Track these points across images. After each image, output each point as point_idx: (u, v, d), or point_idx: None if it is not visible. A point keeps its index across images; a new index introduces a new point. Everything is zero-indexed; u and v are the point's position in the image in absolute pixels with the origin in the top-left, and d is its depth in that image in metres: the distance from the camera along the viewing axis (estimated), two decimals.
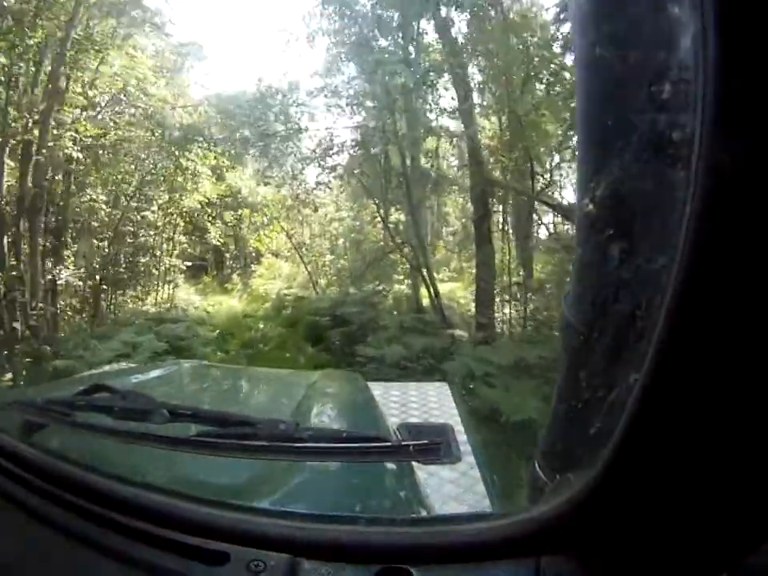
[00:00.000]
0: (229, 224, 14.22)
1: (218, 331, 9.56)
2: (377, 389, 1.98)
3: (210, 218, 13.33)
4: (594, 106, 0.51)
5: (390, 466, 0.95)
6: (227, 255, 16.21)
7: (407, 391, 2.22)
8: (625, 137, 0.45)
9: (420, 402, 2.00)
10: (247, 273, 14.82)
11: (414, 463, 0.99)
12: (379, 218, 10.92)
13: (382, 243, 11.09)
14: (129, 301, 11.17)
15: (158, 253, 11.93)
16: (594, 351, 0.50)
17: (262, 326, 10.11)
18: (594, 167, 0.50)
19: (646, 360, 0.37)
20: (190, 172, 11.35)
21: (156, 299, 11.43)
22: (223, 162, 11.60)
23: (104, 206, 10.01)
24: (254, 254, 15.23)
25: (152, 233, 11.59)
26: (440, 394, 2.13)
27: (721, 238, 0.34)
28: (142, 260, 11.65)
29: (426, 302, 9.47)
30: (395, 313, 9.26)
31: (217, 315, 11.13)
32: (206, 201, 12.25)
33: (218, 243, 14.55)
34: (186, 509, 0.65)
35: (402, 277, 10.45)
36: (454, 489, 1.18)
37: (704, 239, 0.34)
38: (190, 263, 12.93)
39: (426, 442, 0.86)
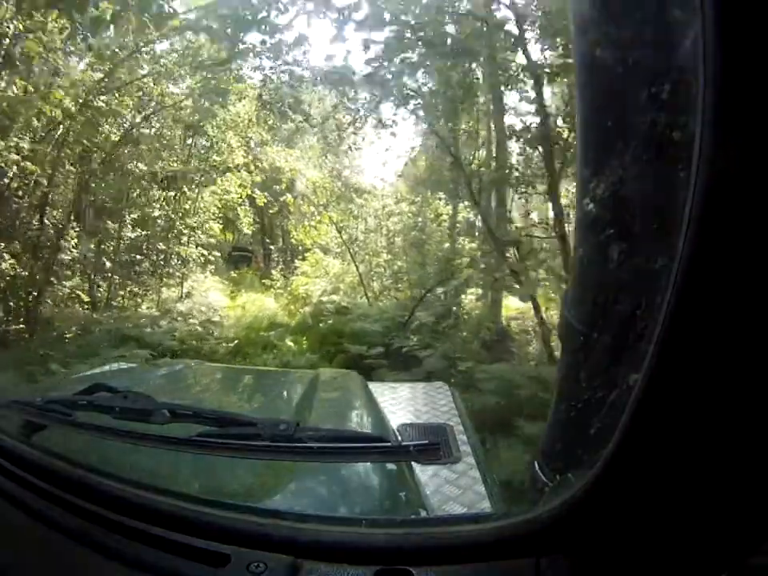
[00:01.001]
0: (269, 210, 12.06)
1: (233, 343, 7.17)
2: (377, 389, 1.98)
3: (240, 199, 10.99)
4: (595, 106, 0.51)
5: (390, 466, 0.95)
6: (272, 248, 14.51)
7: (407, 391, 2.22)
8: (625, 137, 0.45)
9: (420, 402, 2.00)
10: (290, 268, 12.80)
11: (413, 463, 0.99)
12: (445, 212, 9.29)
13: (448, 245, 9.09)
14: (124, 299, 8.64)
15: (161, 239, 9.28)
16: (594, 351, 0.50)
17: (291, 344, 7.31)
18: (594, 167, 0.50)
19: (646, 360, 0.37)
20: (211, 138, 9.14)
21: (158, 298, 9.04)
22: (260, 133, 9.87)
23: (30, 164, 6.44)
24: (300, 248, 12.91)
25: (156, 213, 9.07)
26: (440, 394, 2.13)
27: (721, 239, 0.34)
28: (139, 245, 9.00)
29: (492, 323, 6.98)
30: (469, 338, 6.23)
31: (240, 319, 8.83)
32: (229, 166, 9.95)
33: (249, 231, 12.62)
34: (186, 509, 0.65)
35: (472, 289, 8.12)
36: (453, 489, 1.17)
37: (704, 240, 0.34)
38: (219, 253, 10.76)
39: (425, 442, 0.86)
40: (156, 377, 1.88)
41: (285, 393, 1.93)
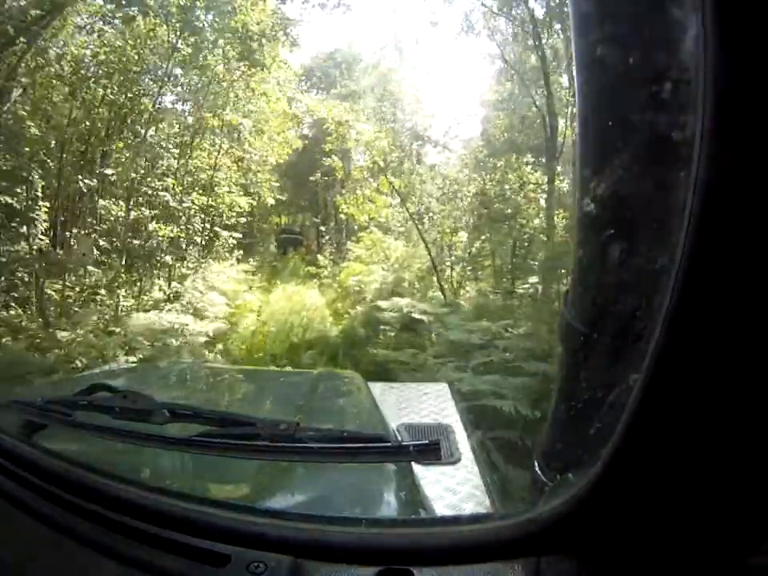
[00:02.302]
0: (310, 177, 9.59)
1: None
2: (377, 389, 1.98)
3: (262, 160, 8.45)
4: (595, 106, 0.51)
5: (390, 466, 0.95)
6: (323, 228, 12.48)
7: (407, 391, 2.22)
8: (625, 137, 0.45)
9: (420, 402, 2.00)
10: (341, 252, 10.51)
11: (413, 464, 0.99)
12: (534, 180, 7.05)
13: (539, 220, 6.91)
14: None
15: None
16: (594, 351, 0.50)
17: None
18: (594, 167, 0.50)
19: (646, 360, 0.37)
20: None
21: (114, 305, 5.84)
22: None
23: None
24: (356, 227, 10.26)
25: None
26: (440, 394, 2.13)
27: (721, 239, 0.34)
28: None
29: None
30: None
31: (250, 335, 6.08)
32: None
33: (273, 201, 9.71)
34: (186, 509, 0.65)
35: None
36: (453, 489, 1.18)
37: (704, 240, 0.34)
38: (240, 235, 8.29)
39: (425, 442, 0.86)
40: (156, 377, 1.88)
41: (285, 393, 1.93)
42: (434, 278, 7.07)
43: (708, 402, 0.37)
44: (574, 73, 0.53)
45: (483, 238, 7.33)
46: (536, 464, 0.61)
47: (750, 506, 0.41)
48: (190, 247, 7.28)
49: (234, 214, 8.09)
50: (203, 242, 7.53)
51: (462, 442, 1.39)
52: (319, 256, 10.54)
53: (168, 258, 6.79)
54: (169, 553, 0.60)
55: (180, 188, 7.04)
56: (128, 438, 0.88)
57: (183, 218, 7.08)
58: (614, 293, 0.48)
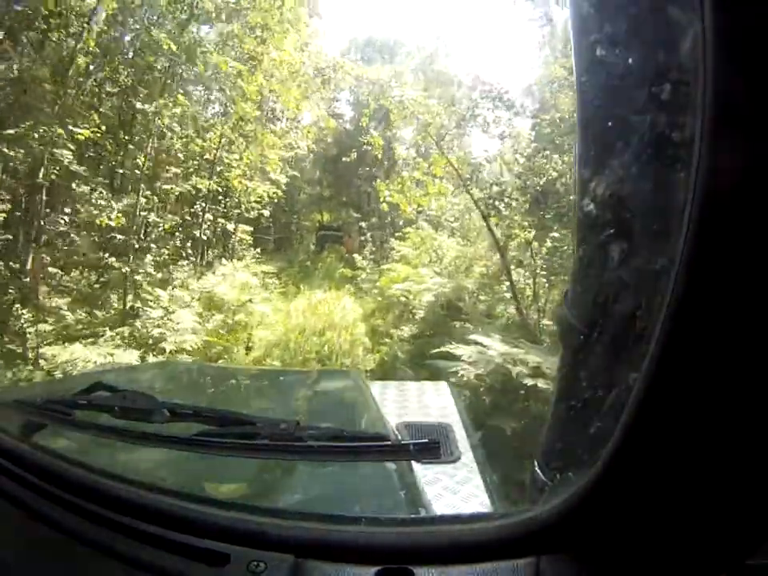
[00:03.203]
0: (343, 157, 8.03)
1: None
2: (377, 388, 1.98)
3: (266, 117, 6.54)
4: (595, 106, 0.51)
5: (390, 465, 0.95)
6: (363, 224, 10.64)
7: (407, 391, 2.22)
8: (625, 137, 0.45)
9: (420, 402, 2.00)
10: (383, 251, 8.99)
11: (413, 463, 0.99)
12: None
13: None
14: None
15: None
16: (594, 351, 0.50)
17: None
18: (594, 167, 0.50)
19: (646, 360, 0.37)
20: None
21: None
22: None
23: None
24: (401, 223, 8.49)
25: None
26: (440, 393, 2.13)
27: (721, 239, 0.34)
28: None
29: None
30: None
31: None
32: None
33: (283, 178, 7.62)
34: (186, 508, 0.65)
35: None
36: (453, 488, 1.18)
37: (704, 240, 0.34)
38: (251, 228, 6.84)
39: (425, 441, 0.86)
40: (156, 376, 1.88)
41: (285, 392, 1.93)
42: (503, 286, 5.56)
43: (708, 402, 0.38)
44: (575, 73, 0.53)
45: (554, 233, 5.59)
46: (536, 463, 0.61)
47: (749, 506, 0.41)
48: (187, 244, 5.72)
49: (257, 205, 6.57)
50: (206, 237, 5.97)
51: (462, 441, 1.40)
52: (356, 255, 9.03)
53: (113, 260, 4.72)
54: (169, 552, 0.60)
55: (141, 160, 5.19)
56: (128, 438, 0.88)
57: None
58: (613, 293, 0.48)
